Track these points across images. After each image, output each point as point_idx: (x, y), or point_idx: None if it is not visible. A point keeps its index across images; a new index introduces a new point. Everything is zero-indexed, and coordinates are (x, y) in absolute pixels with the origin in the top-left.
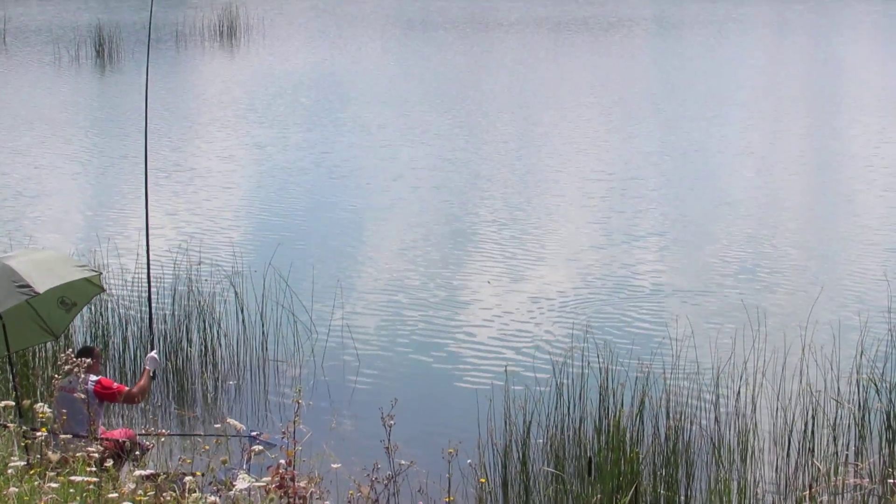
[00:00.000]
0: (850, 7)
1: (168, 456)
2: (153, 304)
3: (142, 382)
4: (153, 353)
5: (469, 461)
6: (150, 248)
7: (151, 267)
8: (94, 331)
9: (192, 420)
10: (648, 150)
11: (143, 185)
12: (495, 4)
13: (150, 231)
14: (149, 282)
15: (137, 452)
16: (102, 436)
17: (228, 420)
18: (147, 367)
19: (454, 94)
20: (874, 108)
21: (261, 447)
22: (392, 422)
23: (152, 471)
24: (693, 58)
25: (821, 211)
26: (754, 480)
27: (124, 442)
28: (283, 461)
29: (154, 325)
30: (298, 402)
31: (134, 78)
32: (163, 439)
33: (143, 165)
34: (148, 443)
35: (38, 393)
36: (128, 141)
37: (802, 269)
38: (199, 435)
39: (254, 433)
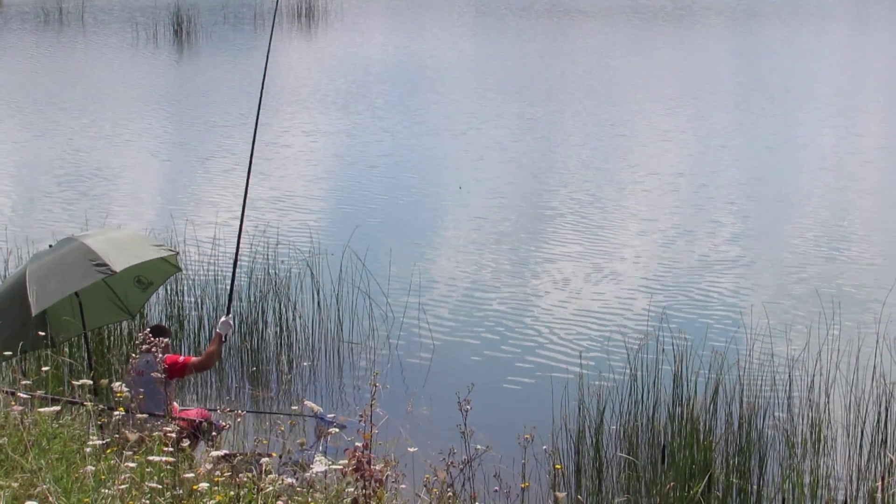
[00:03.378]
0: None
1: (243, 437)
2: (233, 294)
3: (211, 347)
4: (226, 318)
5: (544, 447)
6: (230, 228)
7: (228, 247)
8: (169, 310)
9: (267, 401)
10: (726, 142)
11: (248, 163)
12: None
13: (230, 213)
14: (237, 247)
15: (214, 433)
16: (177, 415)
17: (305, 402)
18: (218, 331)
19: (532, 82)
20: None
21: (336, 429)
22: (468, 406)
23: (228, 451)
24: (772, 49)
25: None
26: (826, 471)
27: (200, 422)
28: (359, 444)
29: (233, 294)
30: (375, 385)
31: (211, 58)
32: (238, 419)
33: (251, 145)
34: (223, 423)
35: (114, 371)
36: (204, 121)
37: (878, 260)
38: (275, 413)
39: (330, 417)
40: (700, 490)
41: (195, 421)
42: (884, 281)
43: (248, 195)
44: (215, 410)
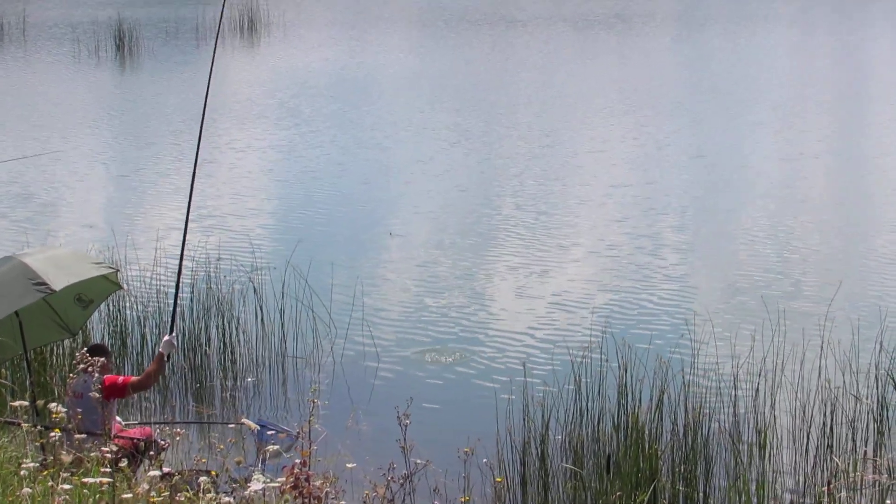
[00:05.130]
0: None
1: (186, 455)
2: (176, 312)
3: (152, 367)
4: (169, 337)
5: (485, 460)
6: (173, 245)
7: (170, 264)
8: (112, 328)
9: (211, 417)
10: (669, 151)
11: (191, 178)
12: (520, 1)
13: (171, 228)
14: (180, 266)
15: (152, 452)
16: (119, 434)
17: (242, 420)
18: (161, 350)
19: (477, 92)
20: None
21: (276, 446)
22: (408, 420)
23: (168, 470)
24: (717, 54)
25: (840, 208)
26: (773, 477)
27: (141, 440)
28: (298, 461)
29: (176, 312)
30: (314, 402)
31: (154, 73)
32: (178, 438)
33: (195, 160)
34: (163, 442)
35: (55, 392)
36: (146, 138)
37: (822, 266)
38: (214, 423)
39: (266, 425)
40: (646, 499)
41: (135, 440)
42: (827, 287)
43: (190, 212)
44: (157, 427)
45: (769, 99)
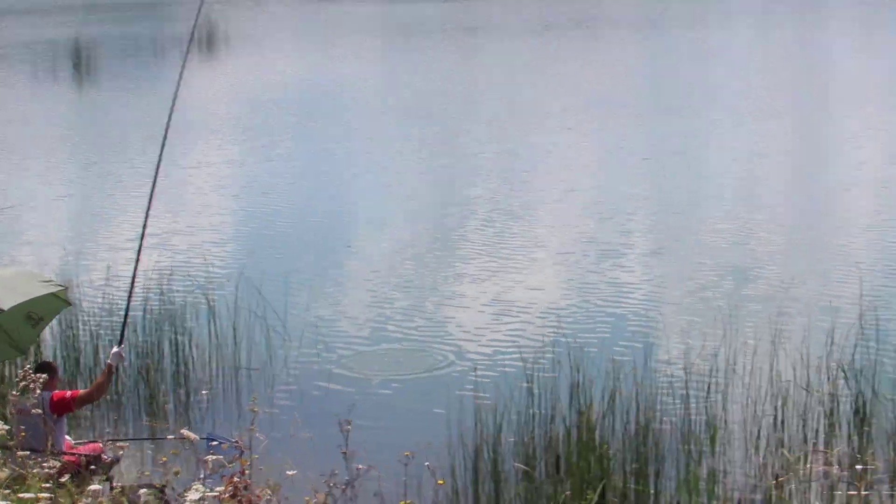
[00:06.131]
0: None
1: (140, 469)
2: (126, 324)
3: (100, 379)
4: (118, 348)
5: (427, 463)
6: (124, 261)
7: (122, 279)
8: (64, 345)
9: (164, 431)
10: (625, 153)
11: (149, 192)
12: (479, 7)
13: (123, 245)
14: (133, 278)
15: (93, 467)
16: (69, 450)
17: (182, 431)
18: (109, 362)
19: (439, 101)
20: (861, 101)
21: (219, 456)
22: (349, 427)
23: (107, 485)
24: (677, 56)
25: (791, 206)
26: (724, 471)
27: (85, 456)
28: (238, 470)
29: (126, 324)
30: (254, 411)
31: (111, 91)
32: (121, 453)
33: (154, 175)
34: (106, 457)
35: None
36: (98, 155)
37: (772, 262)
38: (159, 438)
39: (215, 438)
40: (596, 497)
41: (79, 456)
42: (778, 283)
43: (147, 225)
44: (108, 444)
45: (725, 101)
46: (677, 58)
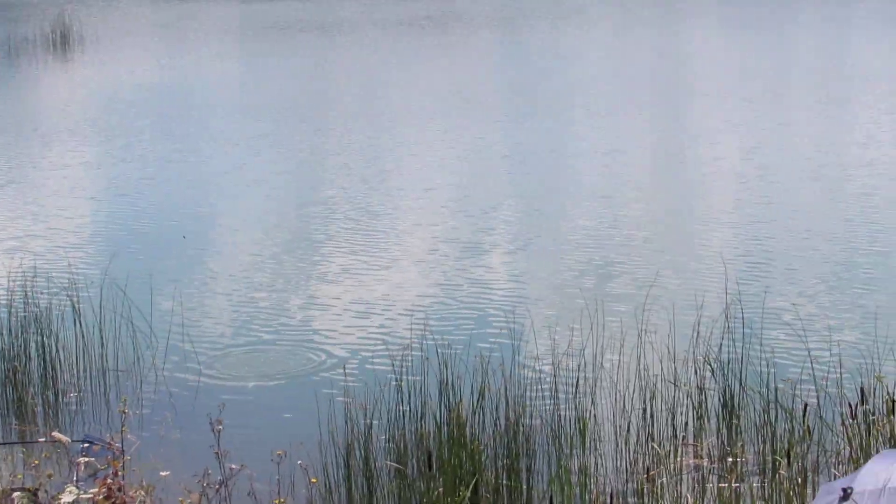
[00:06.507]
0: None
1: (12, 472)
2: None
3: None
4: None
5: (300, 462)
6: None
7: None
8: None
9: (34, 434)
10: (487, 150)
11: None
12: (334, 6)
13: None
14: None
15: None
16: None
17: (53, 434)
18: None
19: (293, 100)
20: (714, 99)
21: (91, 458)
22: (220, 427)
23: None
24: (534, 55)
25: (655, 200)
26: (595, 466)
27: None
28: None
29: None
30: (124, 412)
31: None
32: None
33: None
34: None
35: None
36: None
37: (638, 256)
38: (29, 441)
39: (92, 440)
40: (469, 493)
41: None
42: (644, 277)
43: None
44: None
45: (586, 97)
46: (535, 54)
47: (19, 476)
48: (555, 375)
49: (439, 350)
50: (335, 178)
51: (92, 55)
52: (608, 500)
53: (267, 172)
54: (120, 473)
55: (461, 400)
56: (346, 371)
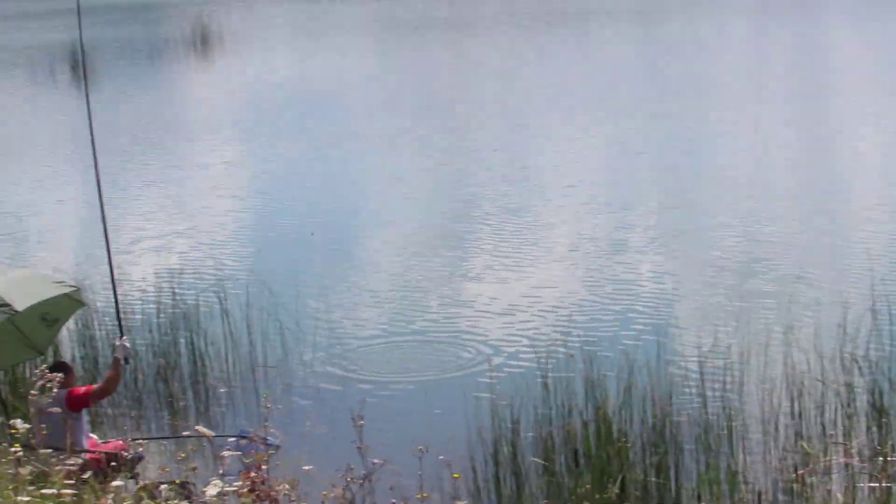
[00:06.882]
0: None
1: (167, 466)
2: (121, 315)
3: (111, 373)
4: (121, 340)
5: (441, 457)
6: (129, 261)
7: (132, 280)
8: (80, 345)
9: (185, 429)
10: (634, 146)
11: (98, 196)
12: (472, 2)
13: (129, 245)
14: (111, 270)
15: (114, 463)
16: (93, 448)
17: (197, 428)
18: (117, 356)
19: (438, 98)
20: (863, 91)
21: (237, 452)
22: (362, 422)
23: (132, 482)
24: (676, 50)
25: (803, 195)
26: (743, 465)
27: (105, 454)
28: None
29: (121, 314)
30: (267, 407)
31: (107, 94)
32: (140, 450)
33: (96, 176)
34: (126, 454)
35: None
36: (109, 156)
37: (783, 254)
38: (177, 437)
39: (246, 435)
40: (616, 489)
41: (101, 453)
42: (788, 276)
43: (107, 230)
44: (130, 442)
45: (730, 92)
46: (677, 49)
47: (167, 469)
48: (701, 373)
49: (584, 348)
50: (475, 175)
51: (231, 55)
52: (757, 499)
53: (407, 170)
54: (264, 467)
55: (607, 397)
56: (492, 369)
